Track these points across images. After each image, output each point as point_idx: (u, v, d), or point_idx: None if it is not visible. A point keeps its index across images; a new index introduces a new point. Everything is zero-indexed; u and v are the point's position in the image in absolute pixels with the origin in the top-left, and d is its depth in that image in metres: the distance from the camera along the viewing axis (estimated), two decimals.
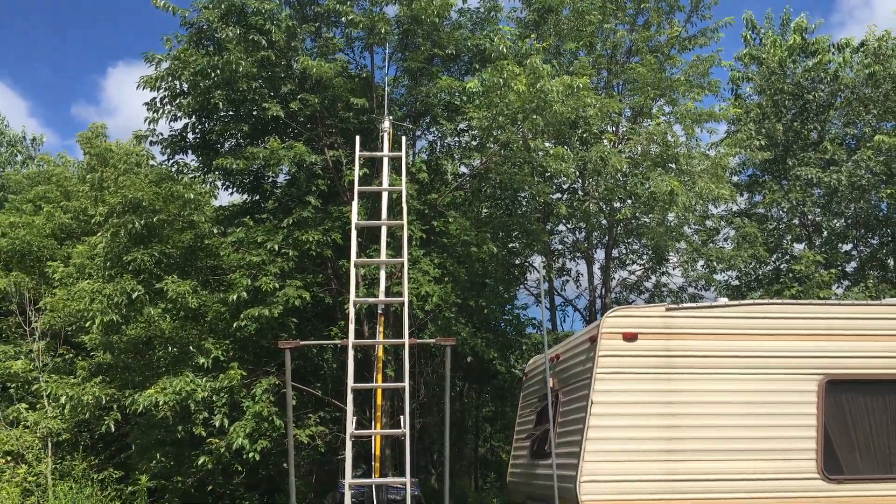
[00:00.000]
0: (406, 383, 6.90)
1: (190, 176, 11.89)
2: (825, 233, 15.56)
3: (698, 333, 6.35)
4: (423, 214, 11.22)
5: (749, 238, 13.99)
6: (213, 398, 9.91)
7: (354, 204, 8.17)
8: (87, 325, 11.10)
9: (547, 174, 12.08)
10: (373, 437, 7.99)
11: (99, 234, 12.10)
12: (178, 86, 11.14)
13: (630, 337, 6.26)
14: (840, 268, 14.93)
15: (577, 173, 12.86)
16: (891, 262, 15.53)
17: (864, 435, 6.29)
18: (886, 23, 40.26)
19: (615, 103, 12.14)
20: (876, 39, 15.36)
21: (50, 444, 12.31)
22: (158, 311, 10.23)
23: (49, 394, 11.56)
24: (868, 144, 14.51)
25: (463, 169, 12.84)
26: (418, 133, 13.07)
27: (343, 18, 10.98)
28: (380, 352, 8.04)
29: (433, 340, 8.21)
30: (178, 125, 11.67)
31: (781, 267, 15.10)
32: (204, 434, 10.08)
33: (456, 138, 13.20)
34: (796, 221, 15.71)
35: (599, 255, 14.51)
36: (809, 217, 15.48)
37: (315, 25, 11.29)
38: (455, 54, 11.89)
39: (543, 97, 10.01)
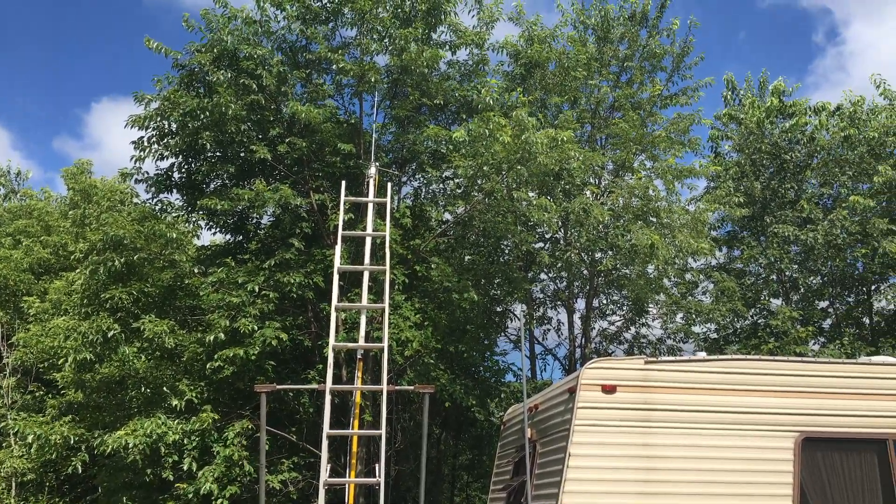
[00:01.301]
0: (383, 430, 6.82)
1: (173, 215, 11.86)
2: (802, 289, 15.78)
3: (676, 387, 6.35)
4: (405, 260, 11.26)
5: (728, 292, 14.15)
6: (184, 441, 9.71)
7: (338, 248, 8.18)
8: (59, 362, 10.91)
9: (530, 223, 12.21)
10: (347, 486, 7.85)
11: (78, 270, 11.99)
12: (166, 126, 11.21)
13: (609, 389, 6.25)
14: (816, 324, 15.10)
15: (560, 223, 13.01)
16: (866, 320, 15.73)
17: (839, 493, 6.28)
18: (860, 85, 41.67)
19: (598, 157, 12.37)
20: (851, 104, 15.87)
21: (14, 485, 11.97)
22: (133, 351, 10.08)
23: (16, 432, 11.27)
24: (843, 205, 14.84)
25: (447, 216, 12.96)
26: (404, 179, 13.20)
27: (334, 66, 11.18)
28: (358, 398, 7.96)
29: (412, 388, 8.14)
30: (165, 164, 11.73)
31: (759, 321, 15.24)
32: (172, 478, 9.85)
33: (441, 186, 13.35)
34: (774, 277, 15.92)
35: (580, 304, 14.60)
36: (786, 273, 15.70)
37: (306, 72, 11.46)
38: (443, 104, 12.11)
39: (528, 149, 10.19)
